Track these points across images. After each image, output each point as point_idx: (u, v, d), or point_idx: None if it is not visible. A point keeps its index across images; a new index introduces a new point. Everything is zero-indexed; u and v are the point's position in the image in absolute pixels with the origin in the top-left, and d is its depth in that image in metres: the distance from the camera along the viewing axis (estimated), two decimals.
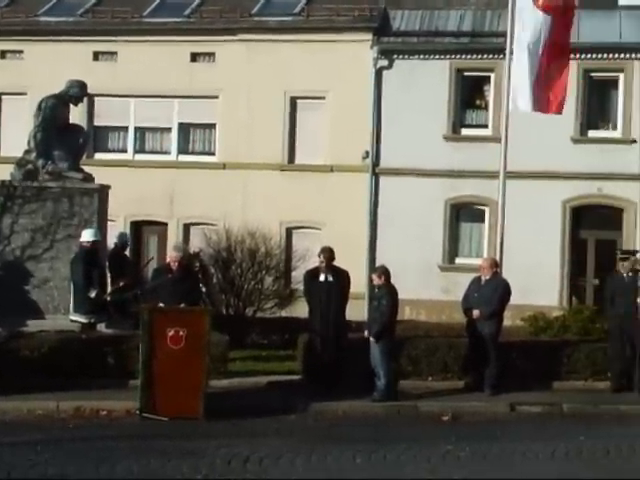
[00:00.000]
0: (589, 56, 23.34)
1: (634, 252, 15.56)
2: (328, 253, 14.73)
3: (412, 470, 10.05)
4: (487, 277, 14.91)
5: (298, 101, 25.52)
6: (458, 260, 24.63)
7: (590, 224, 24.36)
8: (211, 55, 26.03)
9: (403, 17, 25.29)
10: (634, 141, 23.71)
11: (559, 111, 16.84)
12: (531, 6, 16.00)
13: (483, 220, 24.58)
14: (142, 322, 12.73)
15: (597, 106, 24.56)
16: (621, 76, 23.95)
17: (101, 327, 15.60)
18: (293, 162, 25.62)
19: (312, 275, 14.92)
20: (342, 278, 14.72)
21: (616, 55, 23.64)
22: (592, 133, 24.37)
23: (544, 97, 16.15)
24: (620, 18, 24.11)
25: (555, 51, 16.13)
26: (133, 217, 25.73)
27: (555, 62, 16.16)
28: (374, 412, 13.41)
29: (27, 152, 17.15)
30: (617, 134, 24.21)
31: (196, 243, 21.47)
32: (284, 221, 24.83)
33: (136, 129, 26.64)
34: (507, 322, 16.06)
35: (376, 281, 14.43)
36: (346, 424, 12.74)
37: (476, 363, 14.77)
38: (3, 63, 26.84)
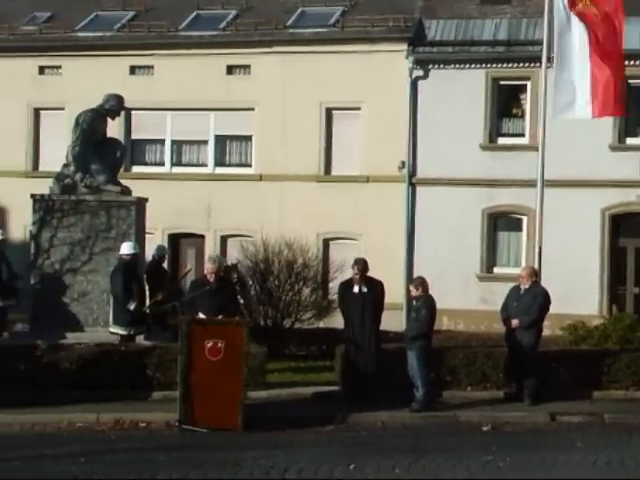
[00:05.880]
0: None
1: None
2: (361, 265, 14.69)
3: None
4: (526, 286, 14.81)
5: (334, 112, 25.52)
6: (496, 269, 24.48)
7: (630, 232, 24.11)
8: (247, 67, 26.10)
9: (438, 27, 25.19)
10: None
11: (617, 113, 16.90)
12: (568, 12, 15.89)
13: (521, 229, 24.42)
14: (181, 334, 12.78)
15: (636, 113, 24.32)
16: None
17: (140, 339, 15.66)
18: (329, 173, 25.61)
19: (346, 286, 14.90)
20: (376, 289, 14.67)
21: None
22: (630, 140, 24.13)
23: (599, 101, 15.90)
24: None
25: (602, 55, 15.90)
26: (170, 230, 25.83)
27: (604, 65, 15.90)
28: (413, 422, 13.35)
29: (65, 166, 17.31)
30: None
31: (233, 255, 21.52)
32: (321, 232, 24.82)
33: (173, 142, 26.77)
34: (547, 331, 15.94)
35: (414, 292, 14.40)
36: (385, 434, 12.71)
37: (516, 373, 14.69)
38: (41, 78, 27.09)
